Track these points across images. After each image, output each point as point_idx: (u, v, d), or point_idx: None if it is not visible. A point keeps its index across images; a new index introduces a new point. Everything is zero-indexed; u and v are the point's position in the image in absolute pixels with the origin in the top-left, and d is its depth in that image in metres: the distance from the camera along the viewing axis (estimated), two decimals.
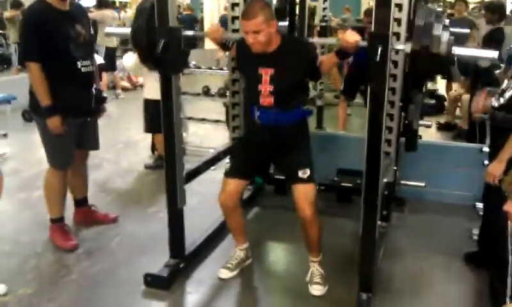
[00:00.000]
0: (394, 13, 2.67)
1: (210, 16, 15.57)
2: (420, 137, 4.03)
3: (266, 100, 2.69)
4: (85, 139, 3.42)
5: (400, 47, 2.65)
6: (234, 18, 3.52)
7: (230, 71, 3.66)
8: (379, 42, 2.32)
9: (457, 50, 2.59)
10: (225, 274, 3.02)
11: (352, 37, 2.43)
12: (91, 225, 3.63)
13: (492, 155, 2.79)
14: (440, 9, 2.68)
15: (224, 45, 2.91)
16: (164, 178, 2.90)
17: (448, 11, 8.71)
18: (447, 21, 2.63)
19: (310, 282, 2.90)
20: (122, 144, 5.78)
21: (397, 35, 2.79)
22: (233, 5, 3.52)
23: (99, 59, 7.12)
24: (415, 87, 3.17)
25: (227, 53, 3.40)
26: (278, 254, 3.48)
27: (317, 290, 2.85)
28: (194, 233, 3.26)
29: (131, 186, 4.59)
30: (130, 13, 12.67)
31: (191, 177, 3.08)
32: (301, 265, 3.14)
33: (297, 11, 4.94)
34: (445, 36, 2.54)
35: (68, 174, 3.41)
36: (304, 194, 2.72)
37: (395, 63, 2.93)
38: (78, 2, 3.39)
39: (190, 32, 2.95)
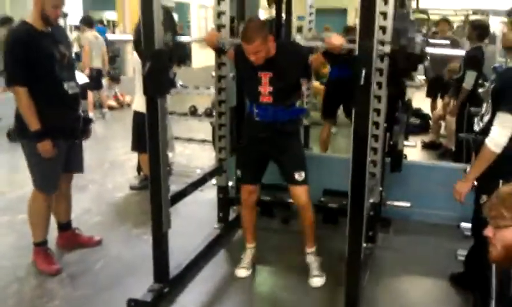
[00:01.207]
0: (378, 34, 2.72)
1: (198, 34, 15.67)
2: (405, 157, 4.05)
3: (265, 98, 3.01)
4: (71, 162, 3.39)
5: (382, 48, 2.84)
6: (220, 27, 3.52)
7: (216, 92, 3.66)
8: (363, 65, 2.34)
9: (429, 49, 2.76)
10: (243, 272, 3.28)
11: (337, 40, 2.73)
12: (75, 248, 3.57)
13: (480, 186, 2.72)
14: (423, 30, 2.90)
15: (220, 50, 3.22)
16: (149, 200, 2.88)
17: (433, 29, 8.85)
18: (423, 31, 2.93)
19: (310, 275, 3.15)
20: (108, 165, 5.73)
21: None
22: (219, 26, 3.52)
23: (84, 79, 7.10)
24: (393, 85, 3.31)
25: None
26: (264, 277, 3.45)
27: (317, 282, 3.12)
28: (179, 256, 3.23)
29: (116, 208, 4.54)
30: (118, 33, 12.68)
31: (177, 199, 3.06)
32: (289, 289, 3.14)
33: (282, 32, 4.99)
34: (419, 38, 2.85)
35: (53, 198, 3.37)
36: (299, 191, 3.11)
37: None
38: (57, 23, 3.34)
39: (187, 38, 3.00)
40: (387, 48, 2.85)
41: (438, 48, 2.91)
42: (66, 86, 3.16)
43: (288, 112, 3.08)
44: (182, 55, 3.26)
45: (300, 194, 3.11)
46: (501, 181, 2.35)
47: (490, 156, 2.52)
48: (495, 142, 2.50)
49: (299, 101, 3.38)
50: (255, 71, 2.98)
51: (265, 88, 2.99)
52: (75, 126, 3.29)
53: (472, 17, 12.96)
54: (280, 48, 3.00)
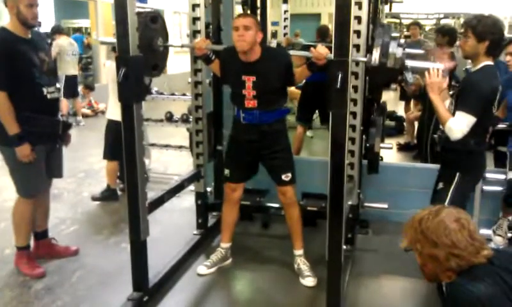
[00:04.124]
0: (353, 39, 2.75)
1: (173, 41, 15.60)
2: (382, 159, 4.09)
3: (250, 102, 3.08)
4: (51, 168, 3.37)
5: (360, 58, 2.90)
6: (195, 32, 3.51)
7: (193, 98, 3.65)
8: (339, 69, 2.36)
9: (409, 63, 2.86)
10: (203, 270, 3.30)
11: (322, 50, 2.74)
12: (51, 258, 3.51)
13: (441, 174, 2.97)
14: (396, 34, 2.88)
15: (207, 58, 3.22)
16: (126, 207, 2.84)
17: (406, 32, 8.98)
18: (402, 41, 2.96)
19: (302, 276, 3.20)
20: (83, 173, 5.65)
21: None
22: (195, 32, 3.52)
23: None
24: (373, 95, 3.46)
25: None
26: (244, 282, 3.44)
27: (310, 281, 3.16)
28: (158, 263, 3.20)
29: (92, 216, 4.47)
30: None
31: (154, 207, 3.03)
32: (270, 293, 3.13)
33: None
34: (399, 52, 2.82)
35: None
36: (286, 191, 3.22)
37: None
38: (37, 30, 3.34)
39: (179, 44, 3.34)
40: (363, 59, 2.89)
41: (418, 61, 2.94)
42: (45, 91, 3.15)
43: (274, 114, 3.15)
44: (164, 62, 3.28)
45: (286, 191, 3.20)
46: (458, 173, 2.78)
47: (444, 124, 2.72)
48: (449, 127, 2.68)
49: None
50: (240, 75, 3.06)
51: (249, 92, 3.06)
52: (54, 131, 3.28)
53: (443, 21, 13.24)
54: (265, 52, 3.07)
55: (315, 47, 2.80)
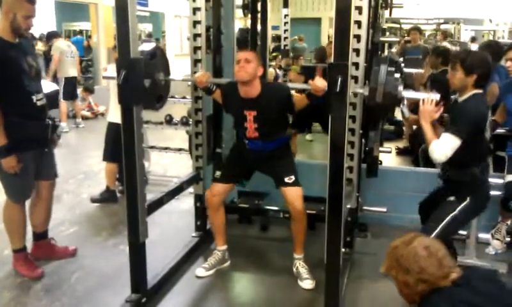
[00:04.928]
0: (353, 44, 2.76)
1: (173, 45, 15.62)
2: (381, 162, 4.11)
3: (252, 134, 3.20)
4: (44, 170, 3.37)
5: (358, 90, 2.90)
6: (196, 48, 3.53)
7: (193, 101, 3.66)
8: (338, 72, 2.37)
9: (406, 95, 2.85)
10: (201, 272, 3.31)
11: (320, 83, 2.81)
12: (50, 259, 3.51)
13: (453, 188, 2.93)
14: (393, 68, 2.89)
15: (208, 89, 3.30)
16: (125, 209, 2.84)
17: (406, 38, 9.00)
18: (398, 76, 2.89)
19: (300, 278, 3.21)
20: (83, 175, 5.65)
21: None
22: (195, 36, 3.53)
23: (54, 87, 7.00)
24: (371, 125, 3.47)
25: None
26: (243, 285, 3.44)
27: (308, 284, 3.17)
28: (157, 265, 3.20)
29: (91, 218, 4.47)
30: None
31: (153, 208, 3.03)
32: (268, 296, 3.13)
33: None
34: (399, 88, 2.80)
35: (31, 207, 3.41)
36: (292, 193, 3.17)
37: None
38: (29, 34, 3.29)
39: (179, 78, 3.41)
40: (366, 91, 2.87)
41: (415, 93, 3.00)
42: (34, 98, 3.14)
43: (276, 142, 3.26)
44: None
45: (294, 199, 3.16)
46: (469, 197, 2.82)
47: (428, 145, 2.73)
48: (431, 149, 2.70)
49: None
50: (241, 109, 3.17)
51: (250, 125, 3.17)
52: (43, 136, 3.27)
53: (443, 26, 13.27)
54: (265, 88, 3.15)
55: (314, 69, 2.84)
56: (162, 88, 3.25)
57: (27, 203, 3.40)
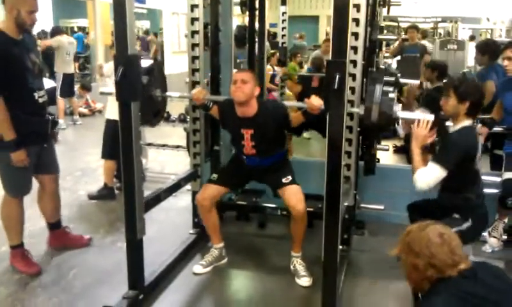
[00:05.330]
0: (351, 41, 2.76)
1: (171, 42, 15.60)
2: (378, 160, 4.10)
3: (250, 151, 3.23)
4: (46, 165, 3.42)
5: (354, 109, 2.99)
6: (194, 45, 3.53)
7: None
8: (336, 70, 2.37)
9: (401, 115, 2.93)
10: (199, 269, 3.31)
11: (316, 102, 2.85)
12: (66, 248, 3.62)
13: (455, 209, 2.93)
14: (389, 88, 2.93)
15: (205, 106, 3.33)
16: (122, 206, 2.84)
17: (403, 36, 9.00)
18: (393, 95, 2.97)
19: (297, 276, 3.21)
20: (80, 172, 5.64)
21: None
22: (193, 33, 3.52)
23: (51, 83, 6.99)
24: (367, 143, 3.53)
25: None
26: (241, 282, 3.45)
27: (305, 281, 3.18)
28: (154, 262, 3.20)
29: (89, 215, 4.47)
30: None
31: (151, 205, 3.03)
32: (265, 294, 3.14)
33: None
34: (395, 109, 2.89)
35: (39, 201, 3.53)
36: (292, 193, 3.17)
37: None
38: (32, 29, 3.34)
39: (176, 94, 3.45)
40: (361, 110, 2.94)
41: (410, 113, 3.05)
42: (36, 95, 3.18)
43: (273, 158, 3.29)
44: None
45: (294, 199, 3.14)
46: (470, 219, 2.81)
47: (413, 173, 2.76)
48: (415, 177, 2.73)
49: None
50: (238, 128, 3.20)
51: (248, 143, 3.20)
52: (44, 132, 3.31)
53: (441, 24, 13.29)
54: (262, 107, 3.17)
55: (311, 78, 2.84)
56: (160, 103, 3.31)
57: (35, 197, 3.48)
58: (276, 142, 3.30)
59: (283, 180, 3.21)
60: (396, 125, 3.51)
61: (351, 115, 3.14)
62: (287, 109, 3.24)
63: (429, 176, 2.68)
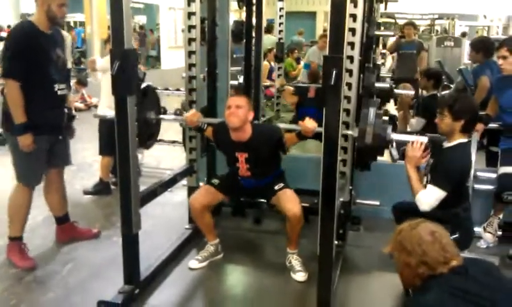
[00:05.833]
0: (348, 37, 2.76)
1: (167, 37, 15.57)
2: None
3: (245, 174, 3.27)
4: (57, 157, 3.47)
5: (349, 132, 3.05)
6: (191, 40, 3.53)
7: (187, 93, 3.65)
8: (333, 65, 2.37)
9: (395, 137, 3.00)
10: (194, 264, 3.31)
11: (310, 124, 2.95)
12: (75, 240, 3.65)
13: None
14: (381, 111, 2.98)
15: (199, 129, 3.38)
16: (118, 201, 2.84)
17: (400, 33, 8.99)
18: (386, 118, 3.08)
19: (293, 271, 3.21)
20: (75, 167, 5.60)
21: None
22: (190, 27, 3.52)
23: None
24: (361, 166, 3.56)
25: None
26: (236, 277, 3.45)
27: (301, 276, 3.17)
28: (150, 257, 3.20)
29: (84, 210, 4.46)
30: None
31: (147, 200, 3.04)
32: (260, 289, 3.14)
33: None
34: (388, 131, 2.95)
35: (45, 194, 3.56)
36: (286, 197, 3.17)
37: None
38: (57, 26, 3.39)
39: (171, 117, 3.50)
40: (355, 133, 2.99)
41: (403, 135, 3.10)
42: (56, 87, 3.25)
43: (268, 178, 3.29)
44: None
45: (289, 202, 3.13)
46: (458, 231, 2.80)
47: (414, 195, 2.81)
48: (418, 199, 2.78)
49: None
50: (233, 151, 3.23)
51: (242, 165, 3.24)
52: (59, 123, 3.38)
53: (438, 21, 13.28)
54: (256, 130, 3.20)
55: (307, 89, 2.85)
56: (153, 127, 3.34)
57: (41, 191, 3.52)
58: (271, 164, 3.32)
59: (275, 187, 3.22)
60: (390, 147, 3.53)
61: (347, 110, 3.13)
62: (281, 132, 3.24)
63: (430, 198, 2.74)
